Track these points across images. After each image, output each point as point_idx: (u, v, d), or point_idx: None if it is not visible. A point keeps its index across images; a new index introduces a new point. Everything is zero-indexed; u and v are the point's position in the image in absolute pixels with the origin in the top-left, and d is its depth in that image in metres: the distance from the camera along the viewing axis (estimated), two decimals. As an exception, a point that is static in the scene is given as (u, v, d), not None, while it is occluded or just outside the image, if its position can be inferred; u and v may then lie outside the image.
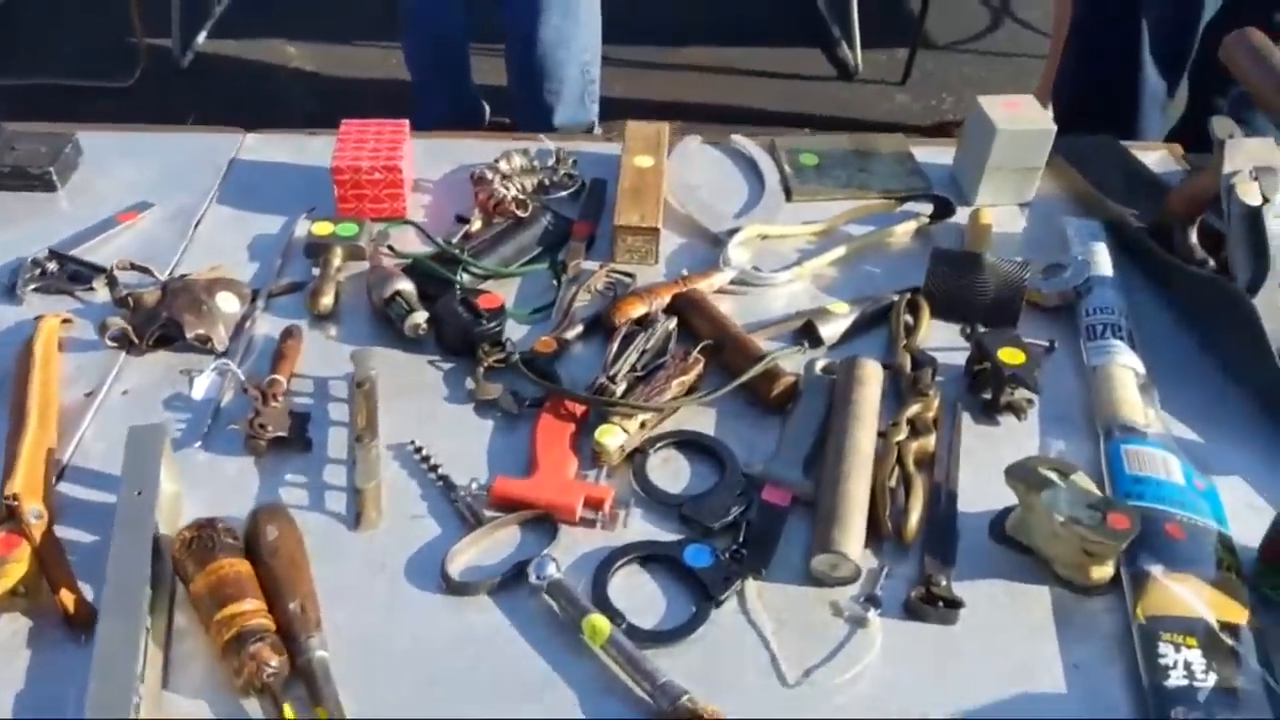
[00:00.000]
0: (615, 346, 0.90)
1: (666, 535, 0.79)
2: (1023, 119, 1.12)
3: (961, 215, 1.12)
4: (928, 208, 1.13)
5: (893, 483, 0.82)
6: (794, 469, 0.83)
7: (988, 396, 0.91)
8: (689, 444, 0.86)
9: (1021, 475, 0.78)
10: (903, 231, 1.10)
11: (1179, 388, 0.94)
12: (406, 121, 1.12)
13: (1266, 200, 0.95)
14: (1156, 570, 0.75)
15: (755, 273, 1.04)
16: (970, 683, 0.70)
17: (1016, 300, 0.99)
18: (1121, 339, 0.95)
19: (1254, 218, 0.95)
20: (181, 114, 2.79)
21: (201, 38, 3.29)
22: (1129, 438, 0.86)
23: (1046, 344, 0.97)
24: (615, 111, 2.79)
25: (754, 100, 3.20)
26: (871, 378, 0.88)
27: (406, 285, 0.94)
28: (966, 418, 0.90)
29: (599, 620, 0.69)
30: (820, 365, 0.92)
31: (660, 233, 1.04)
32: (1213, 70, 2.03)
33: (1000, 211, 1.15)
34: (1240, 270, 0.95)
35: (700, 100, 3.13)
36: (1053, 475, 0.78)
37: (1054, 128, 1.12)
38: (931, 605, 0.74)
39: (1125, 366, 0.92)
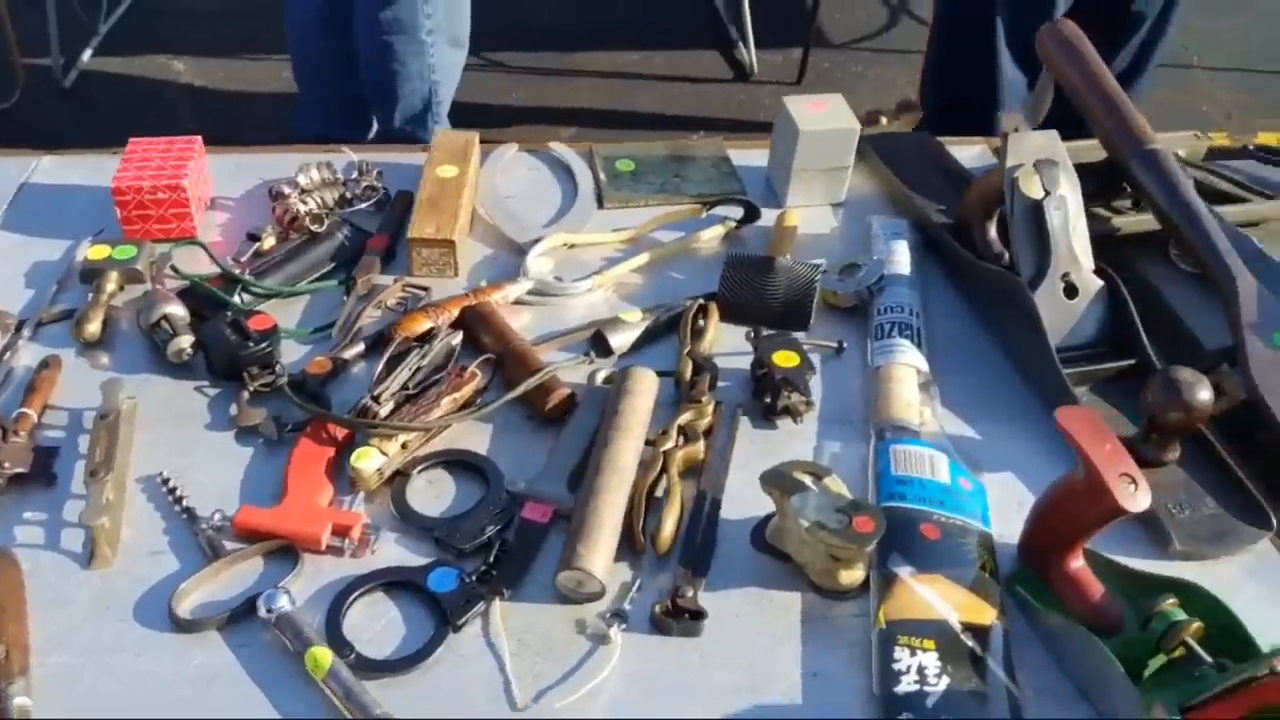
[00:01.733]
0: (382, 365, 0.87)
1: (420, 559, 0.77)
2: (827, 119, 1.11)
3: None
4: (739, 212, 1.12)
5: (660, 492, 0.81)
6: (557, 484, 0.81)
7: (768, 400, 0.90)
8: (456, 464, 0.84)
9: (774, 480, 0.77)
10: (709, 237, 1.09)
11: (968, 384, 0.94)
12: (198, 138, 1.09)
13: (1048, 193, 0.95)
14: (904, 572, 0.74)
15: (554, 283, 1.02)
16: (707, 696, 0.69)
17: (807, 302, 0.99)
18: (908, 337, 0.95)
19: (1035, 210, 0.95)
20: (64, 135, 2.73)
21: (86, 55, 3.21)
22: (899, 438, 0.85)
23: (835, 345, 0.96)
24: (512, 119, 2.78)
25: (651, 104, 3.20)
26: (642, 387, 0.86)
27: (175, 309, 0.91)
28: (746, 423, 0.89)
29: (320, 652, 0.67)
30: (601, 377, 0.91)
31: (456, 245, 1.02)
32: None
33: (812, 212, 1.14)
34: (1024, 264, 0.95)
35: (598, 106, 3.13)
36: (806, 479, 0.77)
37: (857, 127, 1.11)
38: (675, 618, 0.72)
39: (906, 365, 0.92)
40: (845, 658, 0.71)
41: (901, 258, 1.04)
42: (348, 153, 1.15)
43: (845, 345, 0.96)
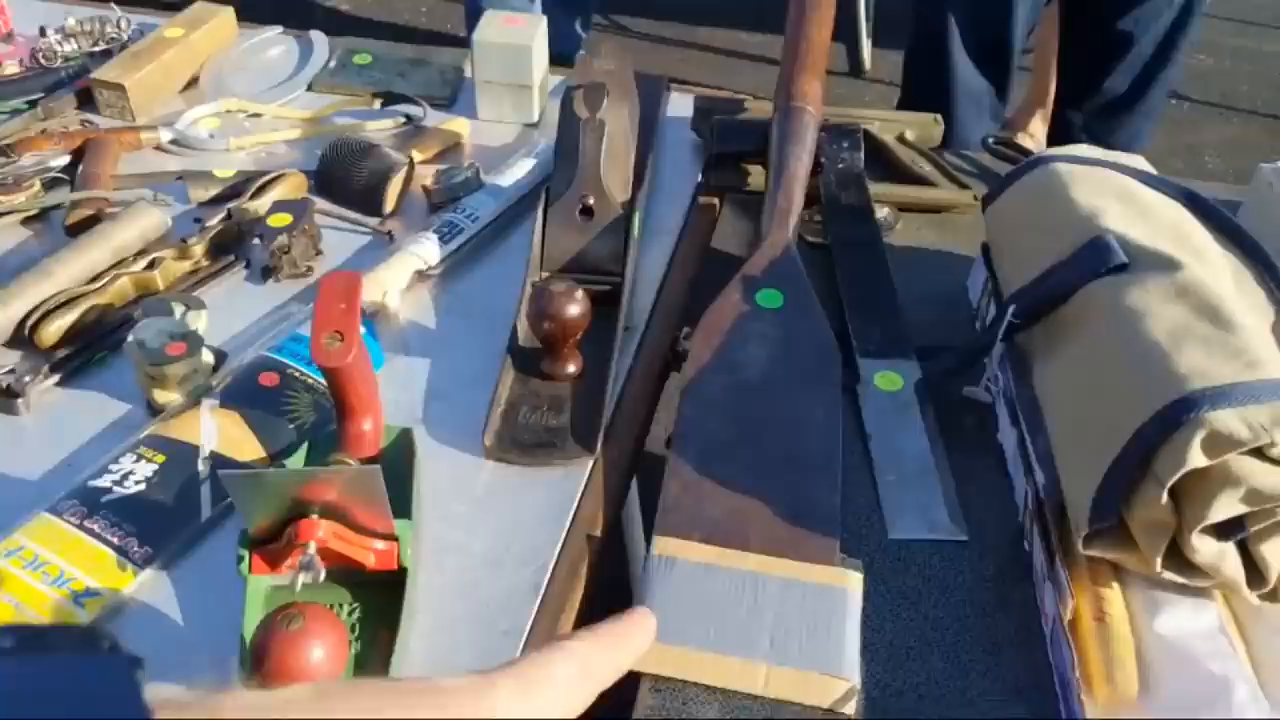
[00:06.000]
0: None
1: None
2: (507, 34, 1.13)
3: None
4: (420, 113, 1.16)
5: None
6: (17, 278, 0.90)
7: (269, 258, 0.95)
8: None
9: (149, 304, 0.83)
10: (375, 127, 1.14)
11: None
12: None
13: (591, 115, 0.94)
14: (208, 404, 0.78)
15: (195, 136, 1.11)
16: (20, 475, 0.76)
17: (381, 189, 1.02)
18: (443, 234, 0.96)
19: (574, 130, 0.94)
20: None
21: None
22: None
23: (386, 233, 1.00)
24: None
25: (747, 85, 3.20)
26: (138, 216, 0.94)
27: None
28: (243, 275, 0.95)
29: None
30: (139, 209, 0.99)
31: (128, 89, 1.13)
32: (1073, 83, 1.91)
33: (505, 129, 1.17)
34: (556, 179, 0.95)
35: (692, 78, 3.16)
36: (178, 308, 0.83)
37: (530, 45, 1.12)
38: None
39: (412, 253, 0.94)
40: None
41: (514, 172, 1.05)
42: (113, 8, 1.28)
43: (394, 236, 1.00)
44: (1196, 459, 0.59)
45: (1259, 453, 0.59)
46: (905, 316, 0.90)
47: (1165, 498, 0.60)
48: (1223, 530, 0.60)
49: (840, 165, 1.06)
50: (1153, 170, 0.86)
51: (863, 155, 1.07)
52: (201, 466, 0.74)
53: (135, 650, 0.31)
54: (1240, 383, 0.60)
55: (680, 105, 1.21)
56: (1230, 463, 0.59)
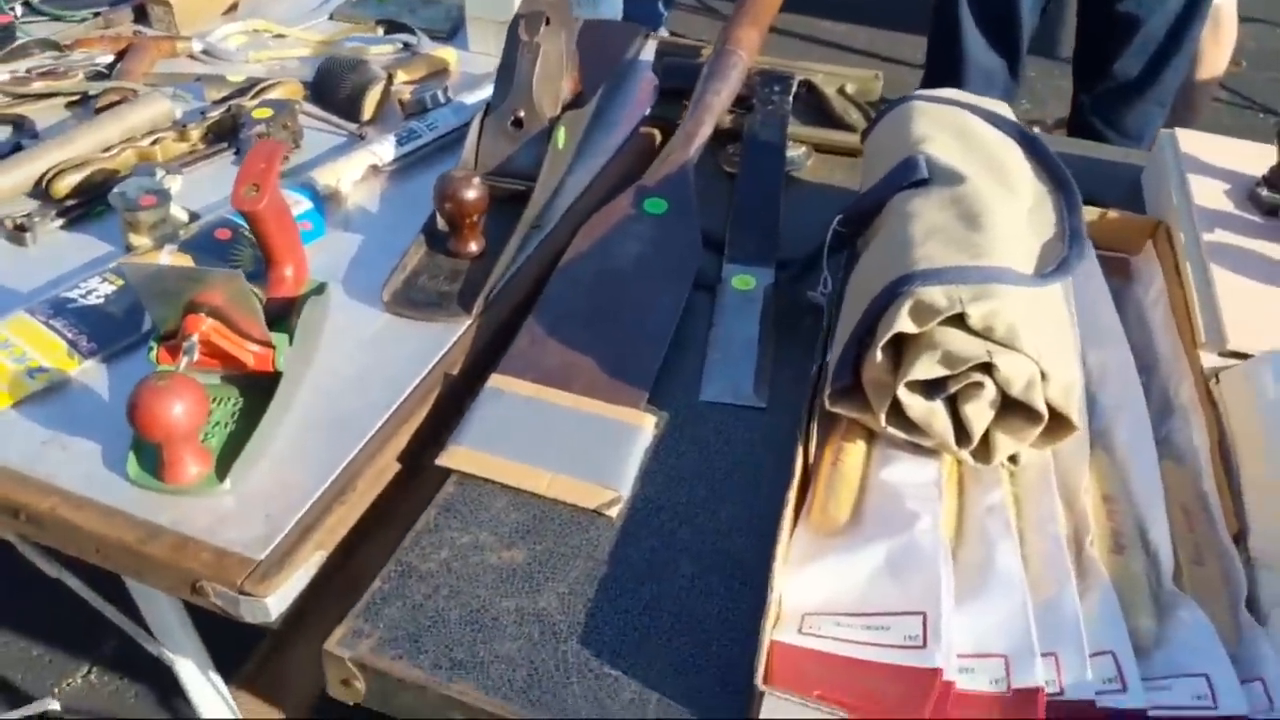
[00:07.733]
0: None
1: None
2: (494, -26, 1.29)
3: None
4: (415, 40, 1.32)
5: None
6: (48, 145, 1.09)
7: (252, 145, 1.12)
8: None
9: (141, 168, 1.01)
10: (377, 51, 1.31)
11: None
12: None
13: (530, 39, 1.07)
14: (168, 248, 0.95)
15: (220, 46, 1.29)
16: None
17: (361, 99, 1.18)
18: (400, 139, 1.12)
19: (515, 50, 1.08)
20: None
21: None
22: (299, 186, 1.04)
23: (359, 134, 1.16)
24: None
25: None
26: (145, 103, 1.12)
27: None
28: (231, 160, 1.12)
29: None
30: (162, 101, 1.17)
31: (174, 6, 1.32)
32: (1083, 65, 1.97)
33: (493, 61, 1.31)
34: (496, 92, 1.09)
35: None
36: (161, 171, 1.01)
37: (509, -15, 1.27)
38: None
39: (371, 151, 1.10)
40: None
41: (480, 94, 1.20)
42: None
43: (365, 135, 1.16)
44: (905, 324, 0.70)
45: (959, 322, 0.69)
46: (781, 233, 1.02)
47: (880, 357, 0.71)
48: (929, 389, 0.71)
49: (769, 106, 1.17)
50: (1012, 117, 0.96)
51: (790, 99, 1.18)
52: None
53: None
54: (953, 266, 0.70)
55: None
56: (935, 330, 0.70)
